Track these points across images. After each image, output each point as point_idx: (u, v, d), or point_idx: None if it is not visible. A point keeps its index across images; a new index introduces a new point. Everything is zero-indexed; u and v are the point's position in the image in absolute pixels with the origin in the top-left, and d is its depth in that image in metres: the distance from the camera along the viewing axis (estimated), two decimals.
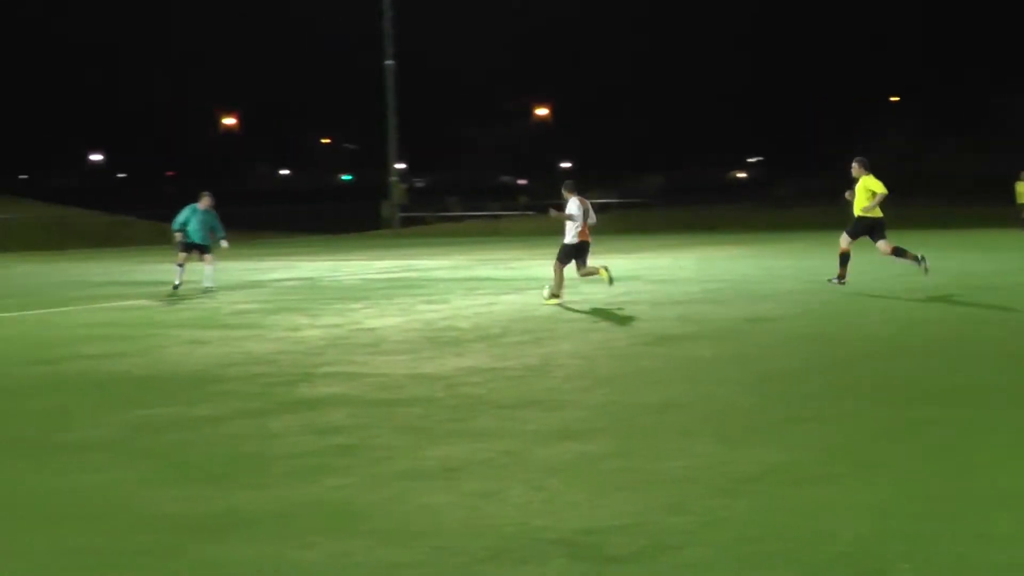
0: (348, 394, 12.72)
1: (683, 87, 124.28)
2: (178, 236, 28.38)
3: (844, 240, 24.35)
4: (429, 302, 23.65)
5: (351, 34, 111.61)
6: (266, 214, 73.08)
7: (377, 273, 33.83)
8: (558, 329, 18.28)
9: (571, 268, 22.85)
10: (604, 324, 19.03)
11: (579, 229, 22.55)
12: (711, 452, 9.46)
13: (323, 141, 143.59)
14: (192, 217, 28.31)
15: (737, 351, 15.35)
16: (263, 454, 9.86)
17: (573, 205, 22.57)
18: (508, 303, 23.03)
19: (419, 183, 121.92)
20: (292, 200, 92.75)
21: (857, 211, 23.74)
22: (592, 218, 22.91)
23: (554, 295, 22.59)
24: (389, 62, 73.41)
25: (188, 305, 24.47)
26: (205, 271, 28.37)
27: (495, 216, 79.52)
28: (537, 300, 23.11)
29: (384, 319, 20.57)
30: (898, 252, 23.60)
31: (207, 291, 27.53)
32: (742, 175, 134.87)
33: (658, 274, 30.09)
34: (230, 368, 14.95)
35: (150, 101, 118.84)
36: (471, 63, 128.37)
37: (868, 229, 23.74)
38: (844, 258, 24.52)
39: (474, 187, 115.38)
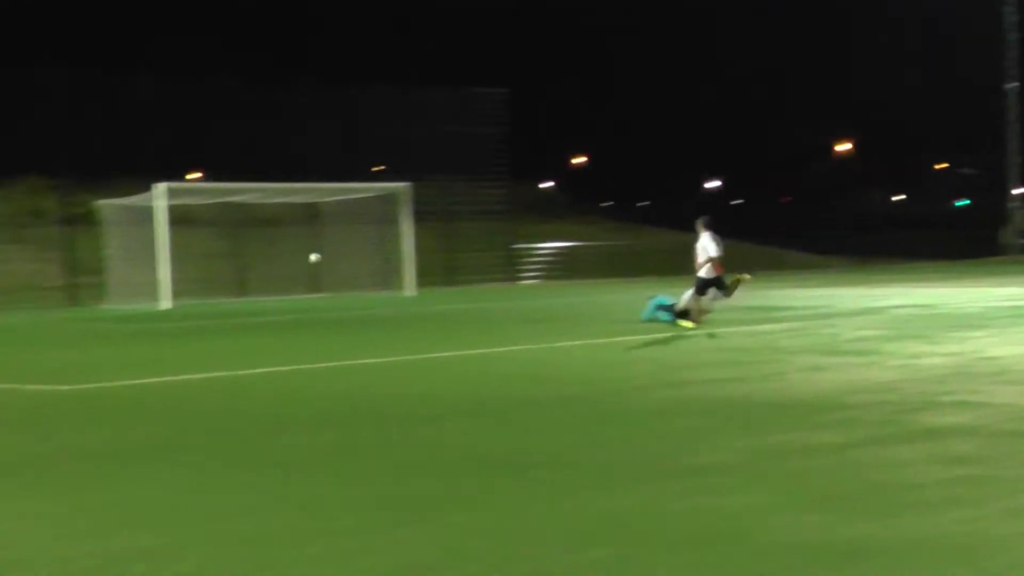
0: (975, 424, 12.43)
1: None
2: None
3: None
4: None
5: (963, 54, 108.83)
6: (879, 241, 72.35)
7: (998, 300, 32.80)
8: None
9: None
10: None
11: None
12: None
13: (937, 167, 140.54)
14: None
15: None
16: (887, 483, 9.79)
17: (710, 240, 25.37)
18: None
19: None
20: (905, 226, 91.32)
21: None
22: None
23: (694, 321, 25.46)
24: (1012, 84, 71.09)
25: (808, 331, 24.62)
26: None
27: None
28: None
29: (1008, 347, 19.94)
30: None
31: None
32: None
33: None
34: (851, 395, 14.92)
35: (766, 132, 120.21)
36: None
37: None
38: None
39: None
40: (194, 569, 7.55)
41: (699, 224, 26.00)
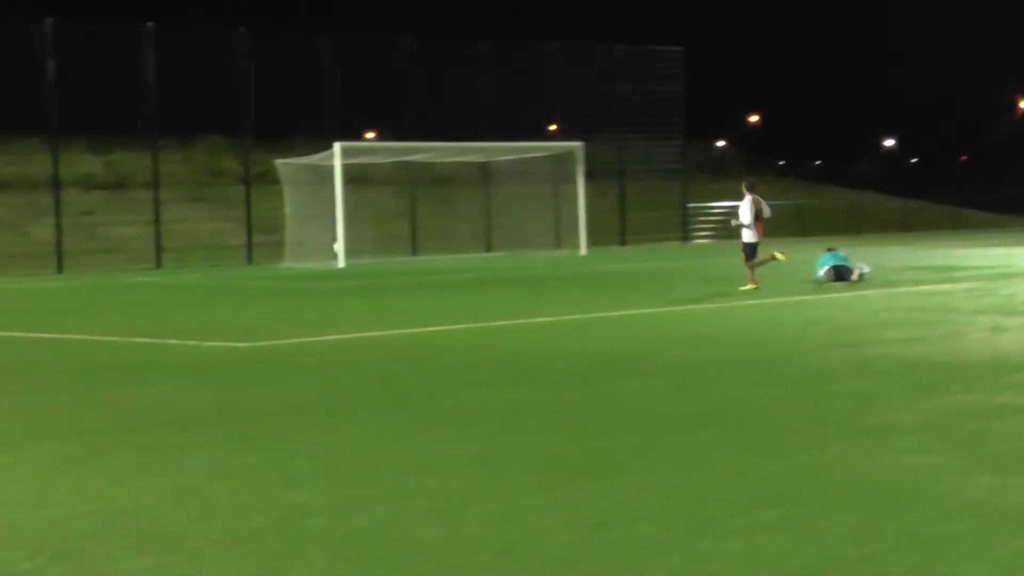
0: None
1: None
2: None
3: None
4: None
5: None
6: None
7: None
8: None
9: None
10: None
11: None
12: None
13: None
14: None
15: None
16: None
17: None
18: None
19: None
20: None
21: None
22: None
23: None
24: None
25: (987, 291, 24.16)
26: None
27: None
28: None
29: None
30: None
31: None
32: None
33: None
34: None
35: (944, 90, 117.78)
36: None
37: None
38: None
39: None
40: (371, 524, 7.66)
41: (744, 187, 26.71)
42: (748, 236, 26.02)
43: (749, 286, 25.43)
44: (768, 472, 8.97)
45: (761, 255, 26.23)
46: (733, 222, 26.93)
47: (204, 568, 6.86)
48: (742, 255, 26.20)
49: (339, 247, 40.63)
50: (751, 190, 26.38)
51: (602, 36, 61.00)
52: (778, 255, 26.85)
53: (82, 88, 43.06)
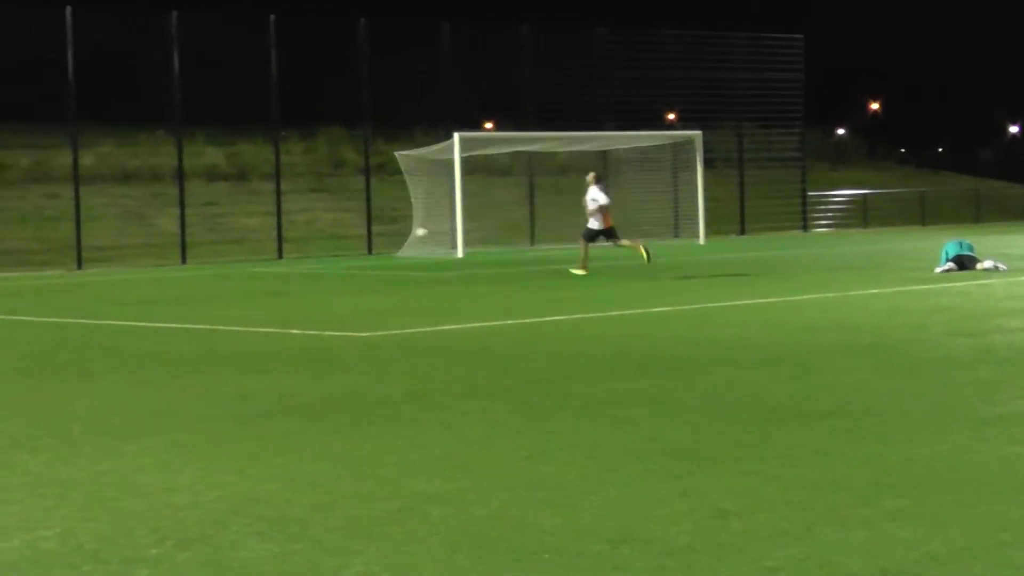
0: None
1: None
2: None
3: None
4: None
5: None
6: None
7: None
8: None
9: None
10: None
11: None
12: None
13: None
14: None
15: None
16: None
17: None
18: None
19: None
20: None
21: None
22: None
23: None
24: None
25: None
26: None
27: None
28: None
29: None
30: None
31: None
32: None
33: None
34: None
35: None
36: None
37: None
38: None
39: None
40: (490, 514, 7.71)
41: (588, 179, 29.26)
42: (596, 223, 28.47)
43: (580, 271, 28.16)
44: (890, 462, 8.89)
45: (627, 241, 29.27)
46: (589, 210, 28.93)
47: (326, 556, 6.94)
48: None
49: (422, 232, 40.84)
50: (597, 182, 29.05)
51: (722, 24, 60.51)
52: (642, 250, 28.73)
53: (205, 80, 43.66)
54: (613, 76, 52.16)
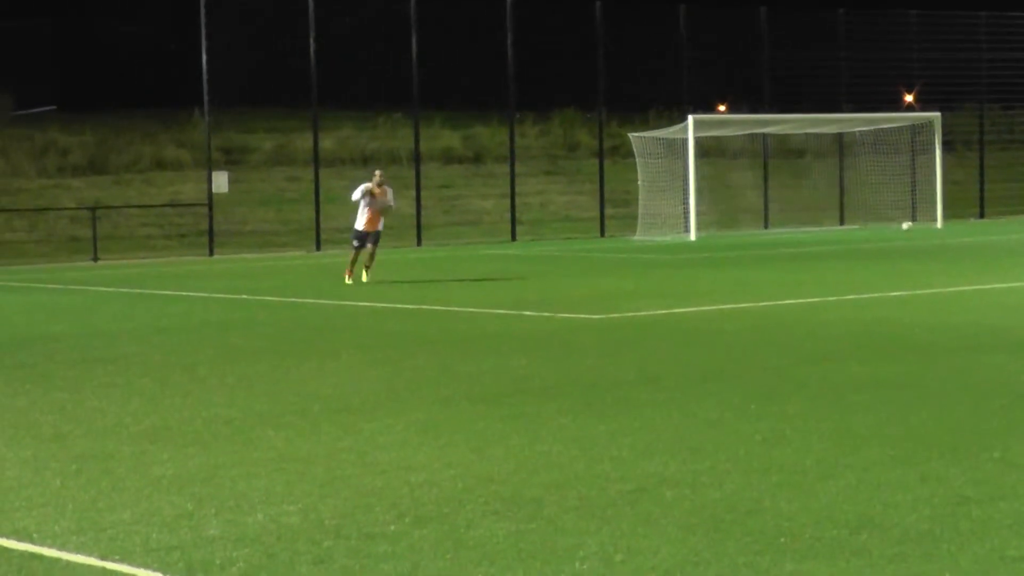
0: None
1: None
2: None
3: None
4: None
5: None
6: None
7: None
8: None
9: None
10: None
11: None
12: None
13: None
14: None
15: None
16: None
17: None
18: None
19: None
20: None
21: None
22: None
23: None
24: None
25: None
26: None
27: None
28: None
29: None
30: None
31: None
32: None
33: None
34: None
35: None
36: None
37: None
38: None
39: None
40: (723, 497, 7.68)
41: (380, 177, 24.56)
42: (359, 221, 24.20)
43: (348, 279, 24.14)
44: None
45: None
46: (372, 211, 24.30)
47: (561, 535, 6.99)
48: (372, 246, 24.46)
49: (907, 225, 40.08)
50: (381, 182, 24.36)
51: (965, 3, 59.02)
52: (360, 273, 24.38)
53: (443, 64, 44.17)
54: (852, 57, 51.27)
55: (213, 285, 24.96)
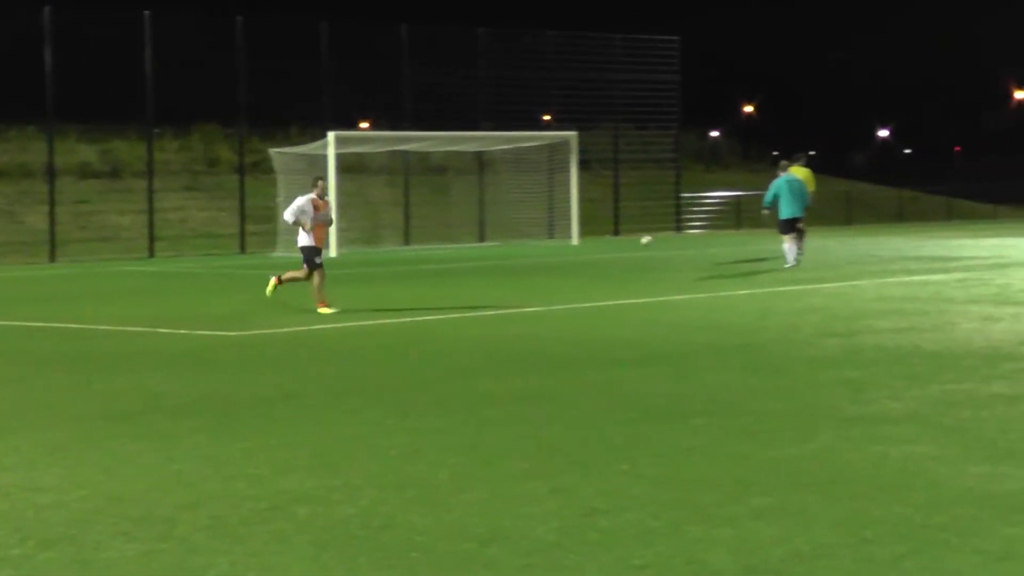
0: None
1: None
2: (766, 213, 29.61)
3: None
4: None
5: None
6: None
7: None
8: None
9: None
10: None
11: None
12: None
13: None
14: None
15: None
16: None
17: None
18: None
19: None
20: None
21: None
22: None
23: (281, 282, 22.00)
24: None
25: (980, 281, 24.17)
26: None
27: None
28: None
29: None
30: None
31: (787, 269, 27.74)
32: None
33: None
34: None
35: (939, 80, 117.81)
36: None
37: None
38: None
39: None
40: (357, 513, 7.68)
41: (320, 186, 22.28)
42: (306, 239, 21.52)
43: (326, 309, 20.89)
44: (758, 460, 8.99)
45: (293, 272, 22.21)
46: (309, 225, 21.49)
47: (192, 555, 6.87)
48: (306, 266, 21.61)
49: (647, 240, 40.05)
50: (323, 193, 22.14)
51: (598, 24, 60.81)
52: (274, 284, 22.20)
53: (78, 77, 42.96)
54: (492, 76, 52.18)
55: None
